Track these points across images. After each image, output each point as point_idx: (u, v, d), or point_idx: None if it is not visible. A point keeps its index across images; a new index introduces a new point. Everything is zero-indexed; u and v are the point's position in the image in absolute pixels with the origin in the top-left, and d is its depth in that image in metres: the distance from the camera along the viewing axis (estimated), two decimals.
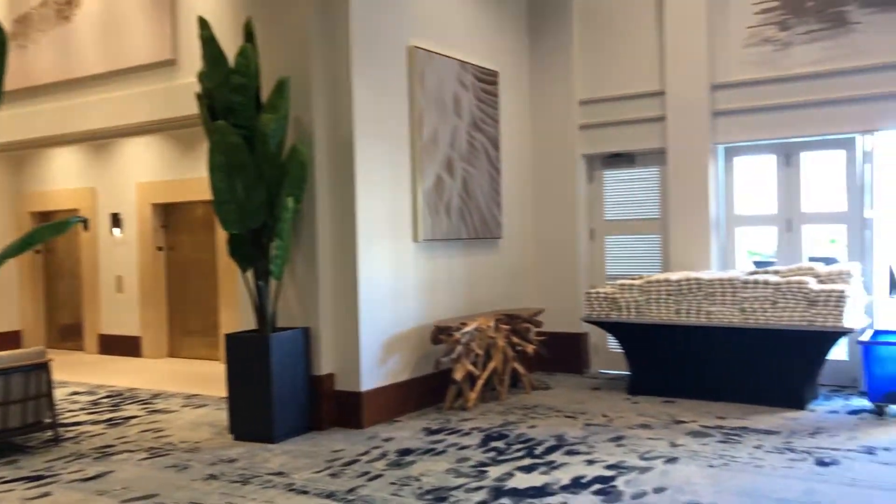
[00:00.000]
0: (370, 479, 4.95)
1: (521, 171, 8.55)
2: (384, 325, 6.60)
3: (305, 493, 4.74)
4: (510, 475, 4.95)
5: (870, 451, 5.22)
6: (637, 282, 7.19)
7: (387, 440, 5.90)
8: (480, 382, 6.95)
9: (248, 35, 6.16)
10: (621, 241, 8.44)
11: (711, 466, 5.00)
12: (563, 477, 4.88)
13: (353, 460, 5.39)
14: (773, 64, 7.45)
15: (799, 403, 6.46)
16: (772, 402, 6.53)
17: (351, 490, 4.75)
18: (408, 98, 6.90)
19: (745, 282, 6.63)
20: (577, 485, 4.73)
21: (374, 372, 6.47)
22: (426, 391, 6.94)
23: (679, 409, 6.55)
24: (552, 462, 5.20)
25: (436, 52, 7.15)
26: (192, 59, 7.64)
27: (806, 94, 7.29)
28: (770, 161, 7.72)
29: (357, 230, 6.32)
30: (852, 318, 6.36)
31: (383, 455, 5.50)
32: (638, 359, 7.26)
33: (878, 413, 6.19)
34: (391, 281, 6.69)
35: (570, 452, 5.40)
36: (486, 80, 7.88)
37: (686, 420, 6.19)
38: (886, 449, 5.26)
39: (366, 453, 5.56)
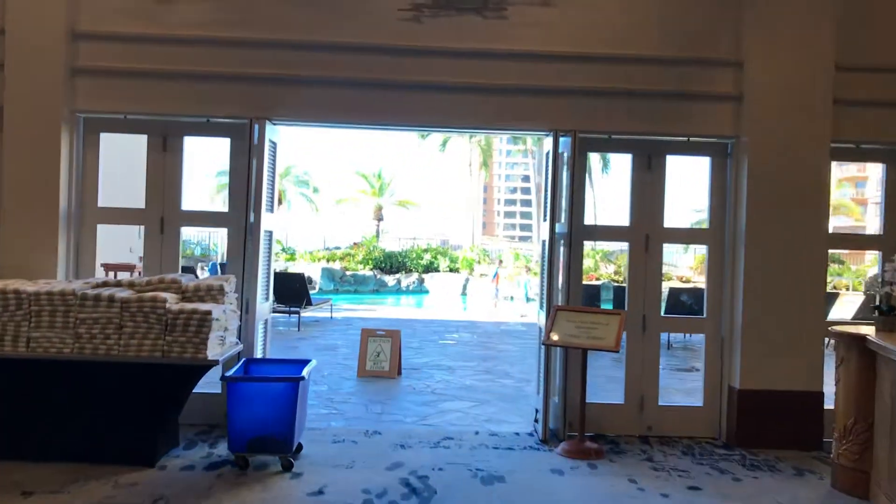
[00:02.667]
0: None
1: None
2: None
3: None
4: None
5: None
6: None
7: None
8: None
9: None
10: None
11: None
12: None
13: None
14: (155, 18, 5.86)
15: (149, 459, 4.93)
16: (115, 458, 4.89)
17: None
18: None
19: (85, 298, 4.86)
20: None
21: None
22: None
23: None
24: None
25: None
26: None
27: (190, 64, 5.86)
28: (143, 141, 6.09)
29: None
30: (219, 345, 5.06)
31: None
32: None
33: (241, 466, 4.94)
34: None
35: None
36: None
37: None
38: None
39: None
